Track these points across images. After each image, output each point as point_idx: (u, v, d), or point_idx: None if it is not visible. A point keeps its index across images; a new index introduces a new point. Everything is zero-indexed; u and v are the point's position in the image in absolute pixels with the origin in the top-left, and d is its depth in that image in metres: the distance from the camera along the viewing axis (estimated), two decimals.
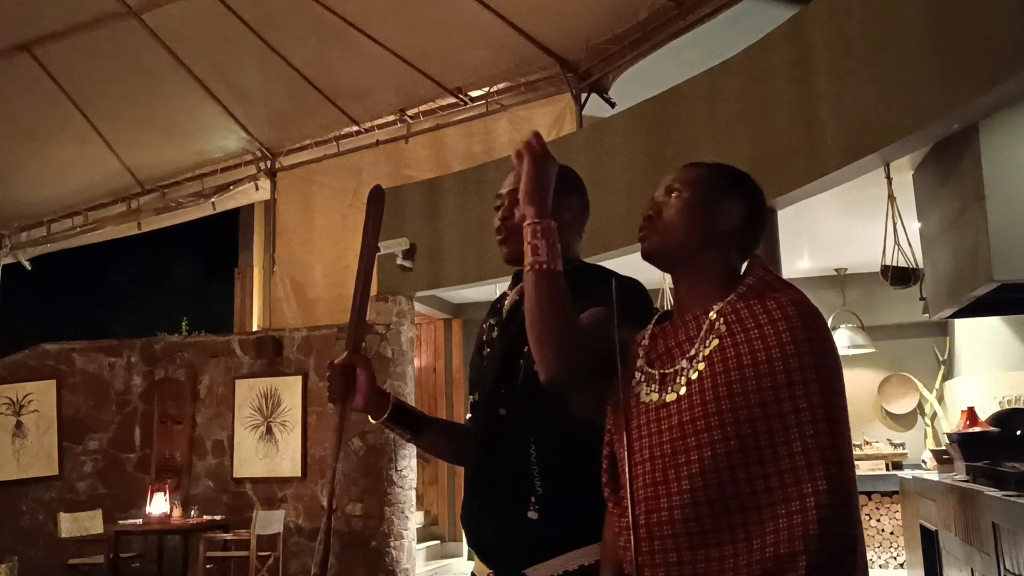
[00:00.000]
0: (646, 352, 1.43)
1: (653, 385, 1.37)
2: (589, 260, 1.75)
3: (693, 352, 1.34)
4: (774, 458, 1.23)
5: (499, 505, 1.64)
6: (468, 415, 1.78)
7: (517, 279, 1.75)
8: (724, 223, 1.42)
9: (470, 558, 1.70)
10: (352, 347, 1.69)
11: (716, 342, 1.32)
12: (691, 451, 1.27)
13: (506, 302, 1.78)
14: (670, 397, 1.33)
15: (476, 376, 1.77)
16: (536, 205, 1.46)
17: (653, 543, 1.28)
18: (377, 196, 1.77)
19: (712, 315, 1.35)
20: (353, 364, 1.68)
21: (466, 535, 1.74)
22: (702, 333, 1.35)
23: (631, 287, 1.64)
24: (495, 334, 1.76)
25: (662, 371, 1.38)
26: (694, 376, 1.32)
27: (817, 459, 1.21)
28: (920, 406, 7.51)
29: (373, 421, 1.73)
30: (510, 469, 1.63)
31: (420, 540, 8.03)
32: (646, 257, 1.46)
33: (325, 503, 1.85)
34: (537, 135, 1.49)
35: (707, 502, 1.24)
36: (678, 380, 1.34)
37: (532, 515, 1.59)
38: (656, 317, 1.50)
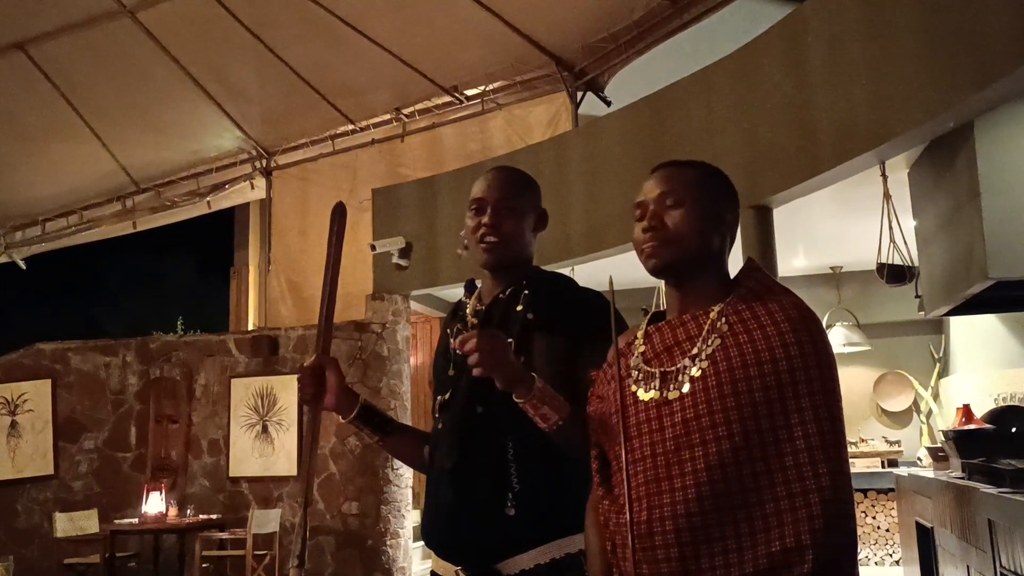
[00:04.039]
0: (642, 351, 1.44)
1: (652, 383, 1.39)
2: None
3: (695, 351, 1.36)
4: (778, 454, 1.25)
5: (476, 501, 1.67)
6: (436, 415, 1.81)
7: (471, 287, 1.86)
8: (727, 227, 1.45)
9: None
10: (321, 350, 1.78)
11: (719, 341, 1.34)
12: (696, 447, 1.29)
13: (468, 308, 1.84)
14: (672, 395, 1.35)
15: (443, 377, 1.82)
16: (515, 382, 1.49)
17: (654, 539, 1.29)
18: (340, 211, 1.87)
19: (713, 315, 1.38)
20: (323, 366, 1.76)
21: (431, 533, 1.76)
22: (704, 332, 1.37)
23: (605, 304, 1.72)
24: None
25: (662, 369, 1.39)
26: (697, 374, 1.33)
27: (820, 455, 1.24)
28: (916, 404, 7.53)
29: (343, 420, 1.81)
30: (488, 465, 1.67)
31: (416, 538, 8.01)
32: (656, 272, 1.44)
33: (300, 500, 1.88)
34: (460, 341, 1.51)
35: (712, 497, 1.26)
36: (680, 378, 1.35)
37: (510, 511, 1.63)
38: (648, 317, 1.51)
